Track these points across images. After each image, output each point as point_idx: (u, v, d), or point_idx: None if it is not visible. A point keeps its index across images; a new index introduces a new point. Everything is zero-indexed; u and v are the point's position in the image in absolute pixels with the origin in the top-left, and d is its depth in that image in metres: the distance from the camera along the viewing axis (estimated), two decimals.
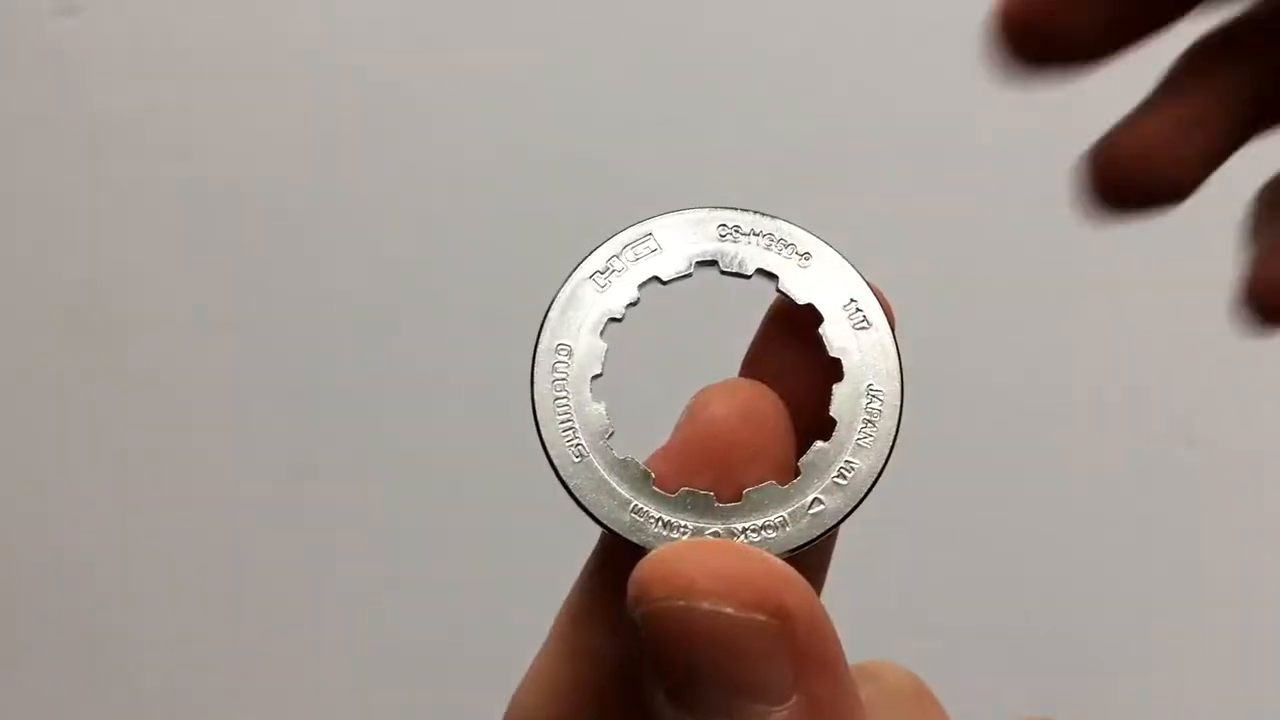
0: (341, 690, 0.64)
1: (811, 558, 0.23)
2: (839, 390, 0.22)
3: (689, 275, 0.24)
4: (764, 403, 0.22)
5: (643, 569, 0.20)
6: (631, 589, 0.20)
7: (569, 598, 0.23)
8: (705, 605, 0.19)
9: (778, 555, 0.21)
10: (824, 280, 0.23)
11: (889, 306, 0.23)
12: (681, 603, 0.19)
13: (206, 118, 0.63)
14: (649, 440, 0.23)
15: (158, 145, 0.63)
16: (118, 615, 0.65)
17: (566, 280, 0.23)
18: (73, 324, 0.64)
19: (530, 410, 0.22)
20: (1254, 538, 0.62)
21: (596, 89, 0.62)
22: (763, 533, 0.22)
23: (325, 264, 0.63)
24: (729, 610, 0.19)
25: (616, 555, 0.21)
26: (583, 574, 0.23)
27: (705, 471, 0.22)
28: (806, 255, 0.24)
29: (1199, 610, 0.62)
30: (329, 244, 0.63)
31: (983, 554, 0.62)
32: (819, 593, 0.23)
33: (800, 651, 0.19)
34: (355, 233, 0.63)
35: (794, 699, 0.19)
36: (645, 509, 0.22)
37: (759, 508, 0.22)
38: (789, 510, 0.22)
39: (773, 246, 0.24)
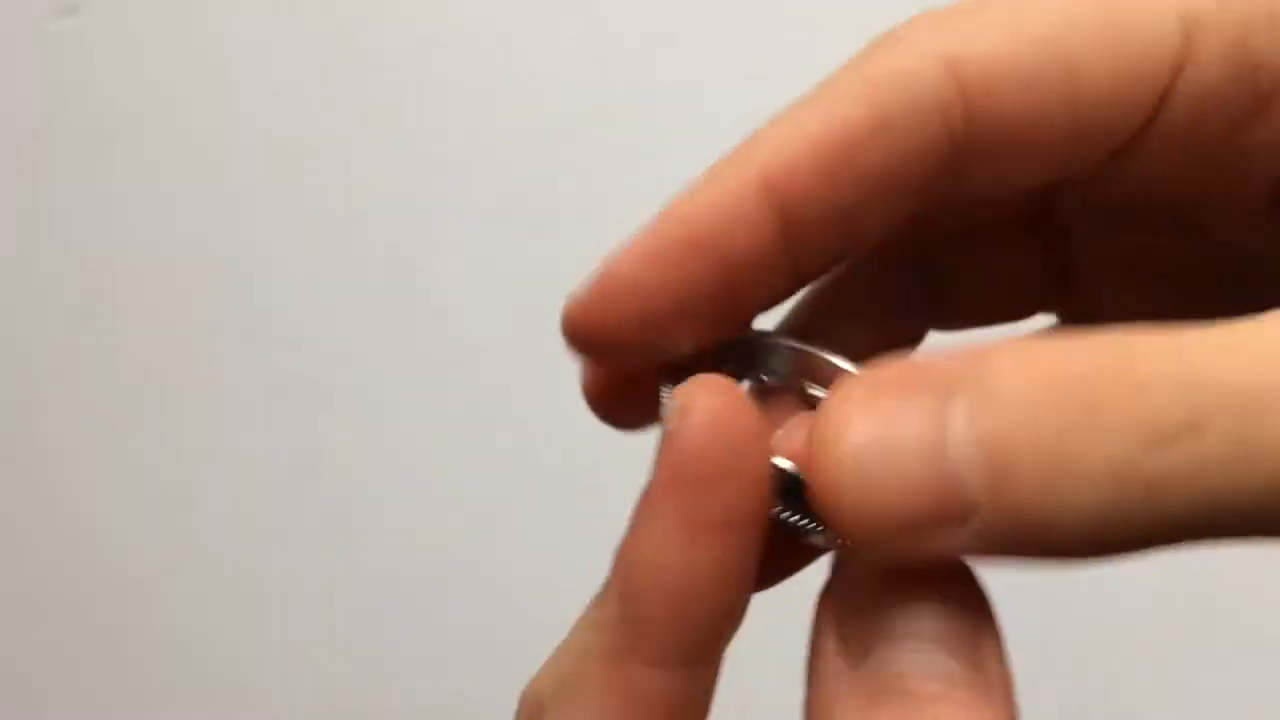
0: (342, 688, 0.64)
1: None
2: None
3: None
4: None
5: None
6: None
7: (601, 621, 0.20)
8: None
9: None
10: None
11: None
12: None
13: (206, 117, 0.63)
14: None
15: (158, 145, 0.63)
16: (118, 613, 0.65)
17: None
18: (73, 322, 0.64)
19: None
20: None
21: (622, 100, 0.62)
22: None
23: (326, 262, 0.63)
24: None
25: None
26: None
27: None
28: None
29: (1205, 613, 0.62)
30: (330, 242, 0.63)
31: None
32: None
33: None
34: (356, 232, 0.63)
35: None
36: None
37: None
38: None
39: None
